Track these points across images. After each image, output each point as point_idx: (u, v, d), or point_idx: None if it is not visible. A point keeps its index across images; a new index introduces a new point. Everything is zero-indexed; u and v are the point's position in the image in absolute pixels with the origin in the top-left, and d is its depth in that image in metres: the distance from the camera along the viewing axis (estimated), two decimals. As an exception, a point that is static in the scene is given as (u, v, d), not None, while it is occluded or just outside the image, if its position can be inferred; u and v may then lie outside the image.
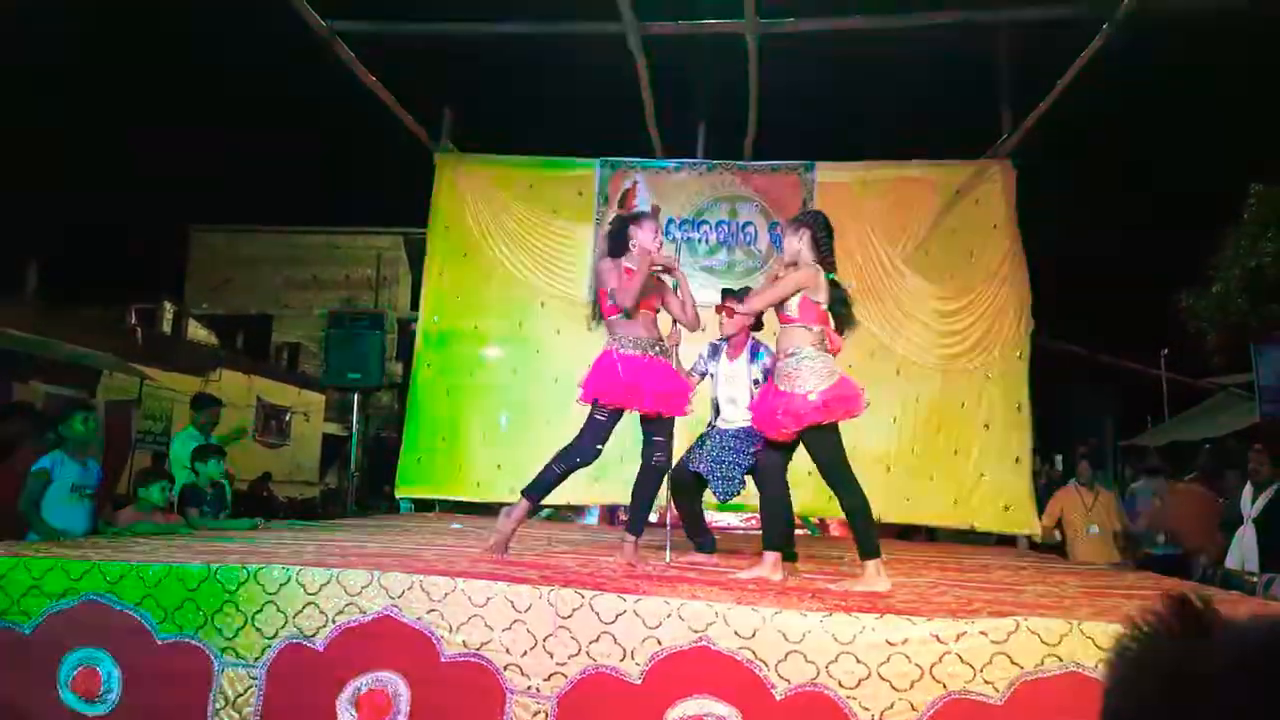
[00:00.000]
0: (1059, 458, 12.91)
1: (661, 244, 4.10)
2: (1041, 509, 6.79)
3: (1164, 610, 0.69)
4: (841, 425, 3.57)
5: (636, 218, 4.07)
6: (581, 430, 3.90)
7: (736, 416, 4.68)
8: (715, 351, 4.88)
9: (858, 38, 6.71)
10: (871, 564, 3.47)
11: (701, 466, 4.71)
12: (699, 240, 7.39)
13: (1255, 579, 5.20)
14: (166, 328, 18.14)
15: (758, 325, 4.80)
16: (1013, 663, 2.47)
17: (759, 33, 6.26)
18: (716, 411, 4.85)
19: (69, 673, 2.82)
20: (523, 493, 3.99)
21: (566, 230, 7.51)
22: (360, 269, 23.56)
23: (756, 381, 4.60)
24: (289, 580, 2.86)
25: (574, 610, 2.68)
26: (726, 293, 4.91)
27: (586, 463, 3.91)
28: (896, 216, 7.24)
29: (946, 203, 7.18)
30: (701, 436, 4.87)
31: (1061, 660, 2.47)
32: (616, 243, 4.01)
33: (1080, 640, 2.48)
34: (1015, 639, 2.50)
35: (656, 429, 3.96)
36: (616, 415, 3.90)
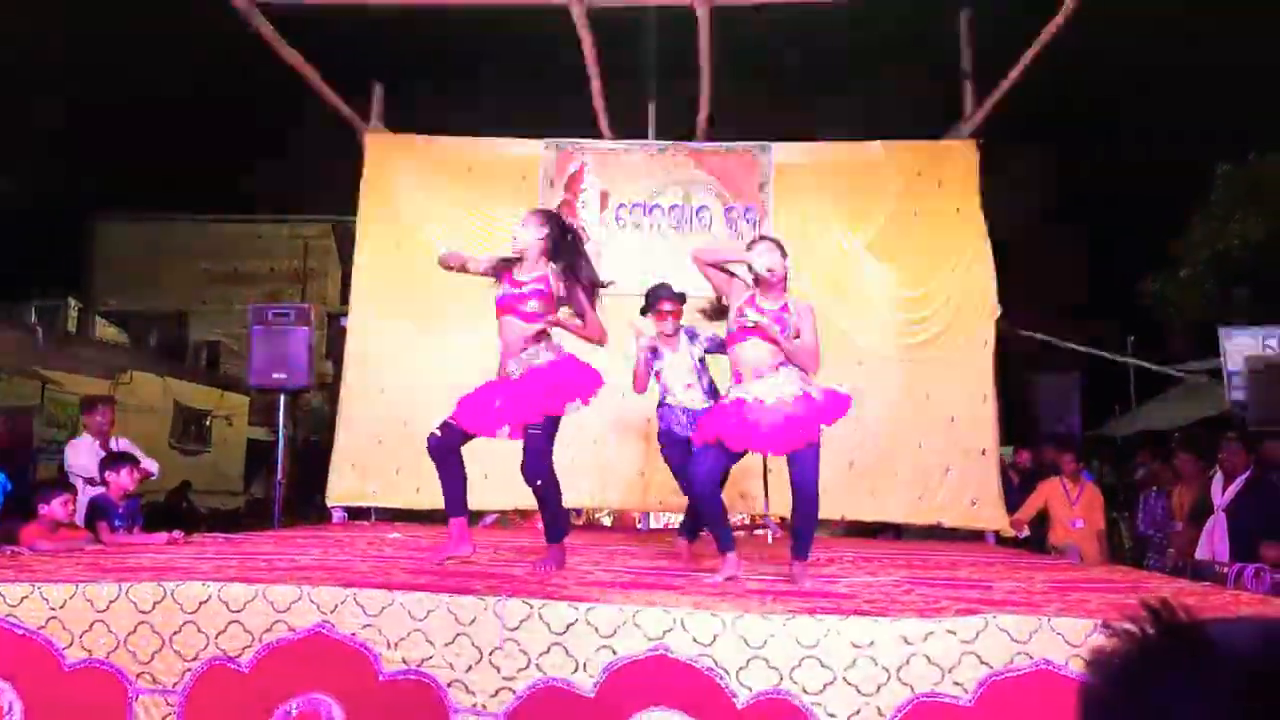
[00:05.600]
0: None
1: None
2: (1010, 503, 6.92)
3: (1144, 622, 0.63)
4: None
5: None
6: None
7: (694, 397, 4.91)
8: (655, 354, 4.96)
9: (814, 10, 6.77)
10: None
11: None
12: (651, 225, 7.39)
13: (1225, 569, 5.37)
14: (71, 326, 17.64)
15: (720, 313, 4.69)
16: (982, 662, 2.52)
17: (711, 4, 6.27)
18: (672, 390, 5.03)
19: (-36, 706, 2.73)
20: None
21: (509, 217, 7.45)
22: (285, 260, 23.10)
23: (702, 360, 4.91)
24: (210, 597, 2.79)
25: (521, 621, 2.66)
26: (663, 292, 4.92)
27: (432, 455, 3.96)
28: (857, 200, 7.31)
29: (908, 185, 7.26)
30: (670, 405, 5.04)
31: (1032, 658, 2.52)
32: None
33: (1050, 636, 2.53)
34: (984, 637, 2.54)
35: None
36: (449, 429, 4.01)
